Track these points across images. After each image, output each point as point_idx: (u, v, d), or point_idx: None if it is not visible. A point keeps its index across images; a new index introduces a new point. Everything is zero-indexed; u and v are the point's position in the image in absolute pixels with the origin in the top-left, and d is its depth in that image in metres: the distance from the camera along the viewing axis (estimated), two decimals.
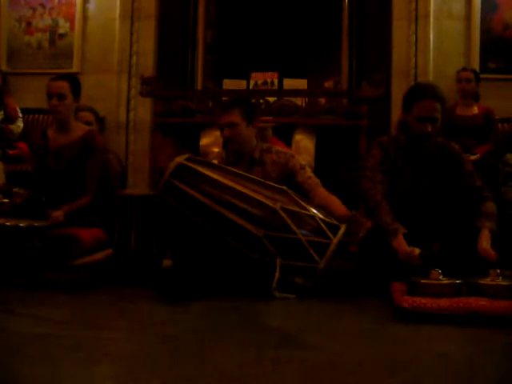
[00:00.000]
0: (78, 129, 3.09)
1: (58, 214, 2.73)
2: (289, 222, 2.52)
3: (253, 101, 3.86)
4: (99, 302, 2.45)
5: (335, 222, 2.62)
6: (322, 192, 2.85)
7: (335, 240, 2.53)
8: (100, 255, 2.87)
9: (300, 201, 2.64)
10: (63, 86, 2.99)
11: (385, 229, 2.58)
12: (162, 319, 2.19)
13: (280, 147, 3.14)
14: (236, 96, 3.92)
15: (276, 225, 2.52)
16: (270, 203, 2.56)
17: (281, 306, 2.41)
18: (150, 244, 2.84)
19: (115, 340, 1.88)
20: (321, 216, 2.61)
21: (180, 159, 2.74)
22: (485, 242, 2.52)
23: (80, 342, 1.82)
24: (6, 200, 3.16)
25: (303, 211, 2.59)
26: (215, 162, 2.98)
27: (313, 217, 2.60)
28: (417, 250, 2.47)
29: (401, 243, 2.53)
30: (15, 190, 3.42)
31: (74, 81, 3.07)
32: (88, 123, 3.48)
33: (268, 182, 2.75)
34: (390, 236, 2.56)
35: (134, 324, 2.12)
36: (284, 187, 2.70)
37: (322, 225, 2.57)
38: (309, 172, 2.93)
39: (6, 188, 3.23)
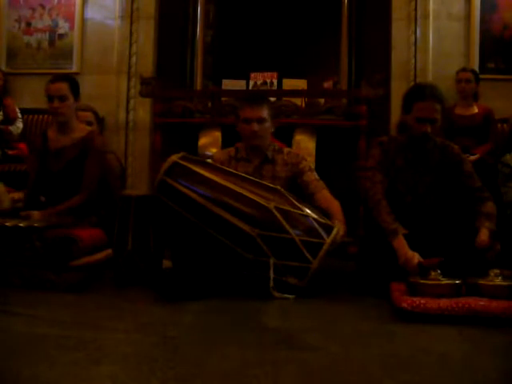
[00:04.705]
0: (80, 130, 3.09)
1: (33, 214, 2.74)
2: (283, 221, 2.53)
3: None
4: (99, 302, 2.44)
5: (328, 222, 2.62)
6: (325, 195, 2.85)
7: (328, 240, 2.53)
8: (99, 255, 2.87)
9: (294, 201, 2.64)
10: (63, 87, 2.98)
11: (385, 229, 2.58)
12: (162, 319, 2.19)
13: (291, 149, 3.16)
14: (259, 92, 3.92)
15: (270, 224, 2.52)
16: (263, 202, 2.57)
17: (280, 306, 2.41)
18: (147, 244, 2.84)
19: (115, 340, 1.88)
20: (314, 216, 2.61)
21: (174, 158, 2.74)
22: (483, 235, 2.54)
23: (80, 341, 1.82)
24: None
25: (297, 211, 2.60)
26: (210, 161, 2.99)
27: (306, 217, 2.60)
28: (416, 258, 2.46)
29: (401, 244, 2.53)
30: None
31: (72, 81, 3.07)
32: (89, 123, 3.48)
33: (262, 182, 2.75)
34: (390, 236, 2.56)
35: (133, 324, 2.13)
36: (277, 187, 2.70)
37: (316, 225, 2.57)
38: (316, 175, 2.95)
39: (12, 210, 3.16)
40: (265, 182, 2.76)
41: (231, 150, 3.06)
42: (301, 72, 4.87)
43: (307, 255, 2.50)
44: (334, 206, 2.79)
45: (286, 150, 3.04)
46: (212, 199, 2.59)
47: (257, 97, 3.13)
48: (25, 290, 2.56)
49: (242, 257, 2.54)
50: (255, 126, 2.89)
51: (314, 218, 2.59)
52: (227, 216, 2.55)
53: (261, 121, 2.89)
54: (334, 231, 2.56)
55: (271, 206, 2.55)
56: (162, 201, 2.70)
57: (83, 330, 1.98)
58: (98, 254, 2.86)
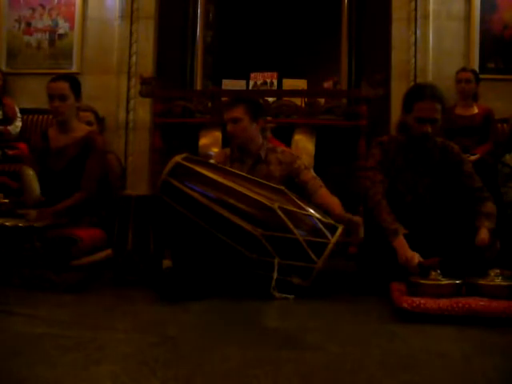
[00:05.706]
0: (80, 129, 3.09)
1: (30, 213, 2.73)
2: (287, 221, 2.52)
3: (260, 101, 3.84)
4: (98, 302, 2.44)
5: (332, 222, 2.62)
6: (323, 193, 2.85)
7: (333, 240, 2.53)
8: (99, 255, 2.87)
9: (297, 201, 2.64)
10: (64, 86, 2.99)
11: (385, 229, 2.58)
12: (162, 319, 2.19)
13: (286, 148, 3.15)
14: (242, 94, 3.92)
15: (274, 224, 2.52)
16: (267, 203, 2.57)
17: (281, 306, 2.41)
18: (147, 244, 2.84)
19: (115, 340, 1.88)
20: (318, 216, 2.61)
21: (177, 158, 2.74)
22: (483, 234, 2.54)
23: (79, 342, 1.82)
24: (6, 200, 3.15)
25: (301, 211, 2.60)
26: (213, 161, 2.99)
27: (310, 217, 2.60)
28: (416, 258, 2.47)
29: (401, 244, 2.53)
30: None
31: (73, 81, 3.07)
32: (89, 123, 3.48)
33: (266, 182, 2.75)
34: (391, 236, 2.56)
35: (133, 324, 2.12)
36: (282, 187, 2.70)
37: (320, 225, 2.57)
38: (313, 173, 2.94)
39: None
40: (268, 183, 2.75)
41: (227, 151, 3.07)
42: (301, 72, 4.88)
43: (312, 255, 2.50)
44: (334, 201, 2.79)
45: (279, 148, 3.02)
46: (215, 200, 2.58)
47: (234, 98, 3.14)
48: (25, 290, 2.56)
49: (246, 257, 2.54)
50: (230, 127, 2.94)
51: (317, 218, 2.59)
52: (231, 216, 2.54)
53: (235, 120, 2.91)
54: (339, 231, 2.56)
55: (275, 206, 2.55)
56: (164, 201, 2.70)
57: (83, 329, 1.98)
58: (97, 253, 2.86)
